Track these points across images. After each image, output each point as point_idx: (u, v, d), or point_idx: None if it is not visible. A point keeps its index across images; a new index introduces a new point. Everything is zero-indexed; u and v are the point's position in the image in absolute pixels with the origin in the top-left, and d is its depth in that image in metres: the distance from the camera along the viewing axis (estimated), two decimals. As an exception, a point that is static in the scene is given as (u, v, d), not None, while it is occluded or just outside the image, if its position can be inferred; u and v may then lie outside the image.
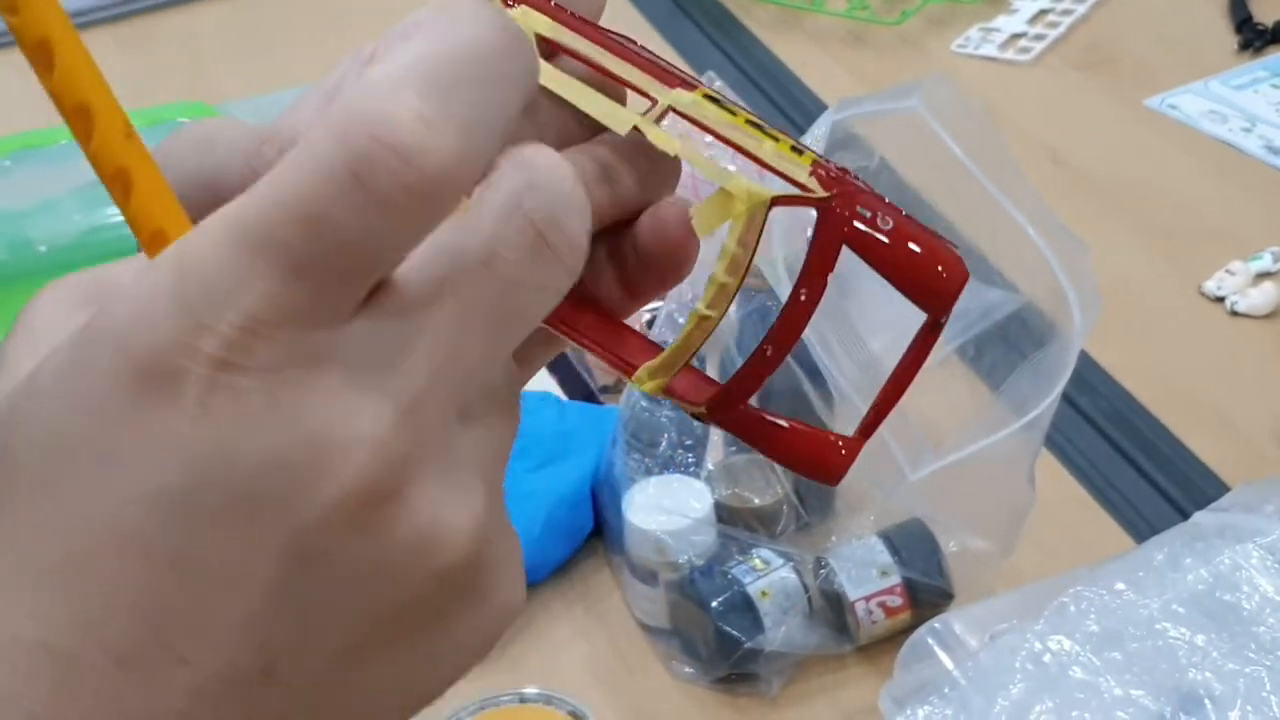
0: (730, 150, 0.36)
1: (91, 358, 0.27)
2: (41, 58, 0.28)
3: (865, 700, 0.80)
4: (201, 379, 0.26)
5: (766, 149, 0.34)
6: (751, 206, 0.33)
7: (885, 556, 0.81)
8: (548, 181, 0.29)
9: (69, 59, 0.28)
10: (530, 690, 0.79)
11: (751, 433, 0.37)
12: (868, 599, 0.80)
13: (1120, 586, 0.64)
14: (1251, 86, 1.28)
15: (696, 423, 0.87)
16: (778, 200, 0.34)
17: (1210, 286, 1.04)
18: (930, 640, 0.68)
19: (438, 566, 0.28)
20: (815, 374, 0.78)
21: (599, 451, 0.91)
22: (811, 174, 0.34)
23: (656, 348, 0.37)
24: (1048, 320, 0.83)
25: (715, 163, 0.34)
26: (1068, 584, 0.65)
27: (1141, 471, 0.92)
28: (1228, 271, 1.05)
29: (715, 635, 0.80)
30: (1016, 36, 1.38)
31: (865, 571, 0.80)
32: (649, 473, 0.85)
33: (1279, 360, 1.00)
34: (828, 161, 0.35)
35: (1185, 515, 0.87)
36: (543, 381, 1.02)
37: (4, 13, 0.28)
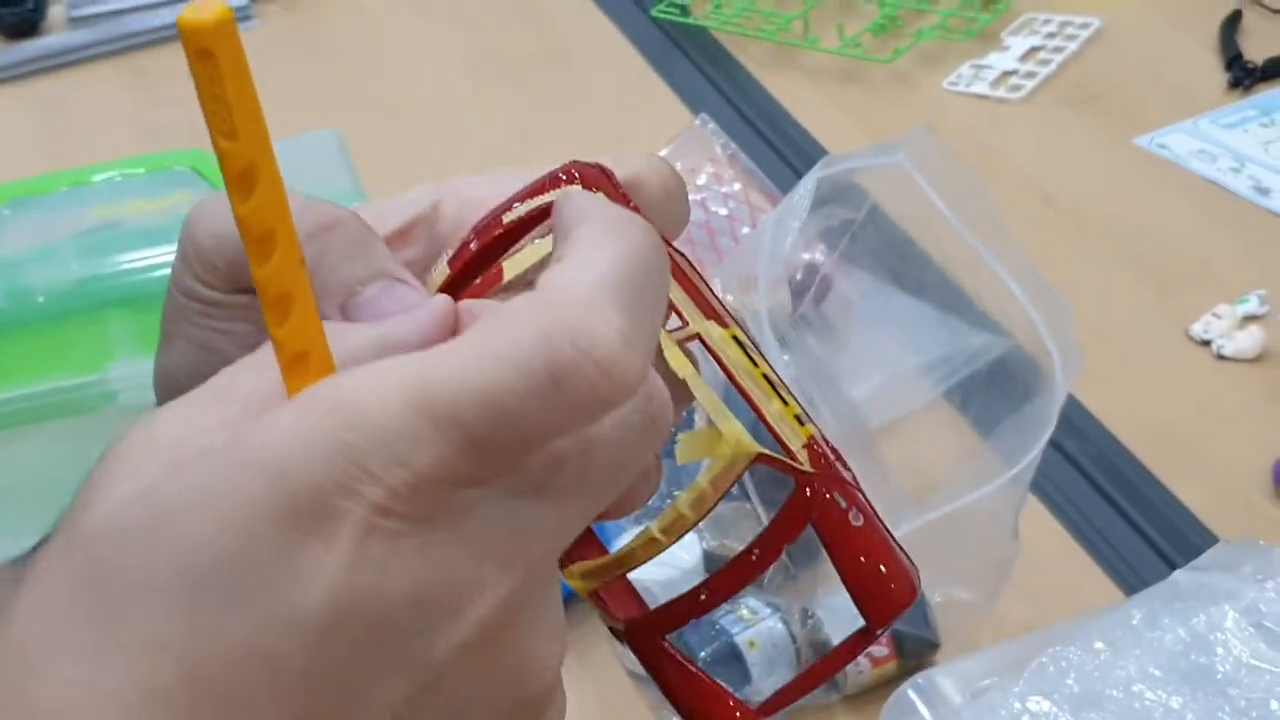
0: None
1: (246, 483, 0.29)
2: (243, 185, 0.30)
3: (852, 750, 0.81)
4: (360, 521, 0.29)
5: (773, 409, 0.35)
6: (736, 454, 0.34)
7: (871, 607, 0.81)
8: (660, 388, 0.32)
9: (268, 186, 0.30)
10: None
11: (661, 671, 0.38)
12: (854, 649, 0.81)
13: (1099, 645, 0.65)
14: (1241, 125, 1.29)
15: (684, 474, 0.88)
16: (762, 457, 0.34)
17: (1197, 329, 1.05)
18: (913, 695, 0.69)
19: (527, 694, 0.32)
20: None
21: (590, 498, 0.92)
22: (805, 446, 0.35)
23: (601, 549, 0.37)
24: (1034, 365, 0.84)
25: (718, 399, 0.35)
26: (1049, 641, 0.66)
27: (1128, 519, 0.93)
28: (1214, 315, 1.06)
29: (703, 685, 0.81)
30: (1008, 74, 1.39)
31: (852, 621, 0.81)
32: (637, 521, 0.86)
33: (1265, 405, 1.00)
34: (825, 441, 0.36)
35: (1171, 564, 0.88)
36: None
37: (221, 139, 0.29)
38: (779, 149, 1.33)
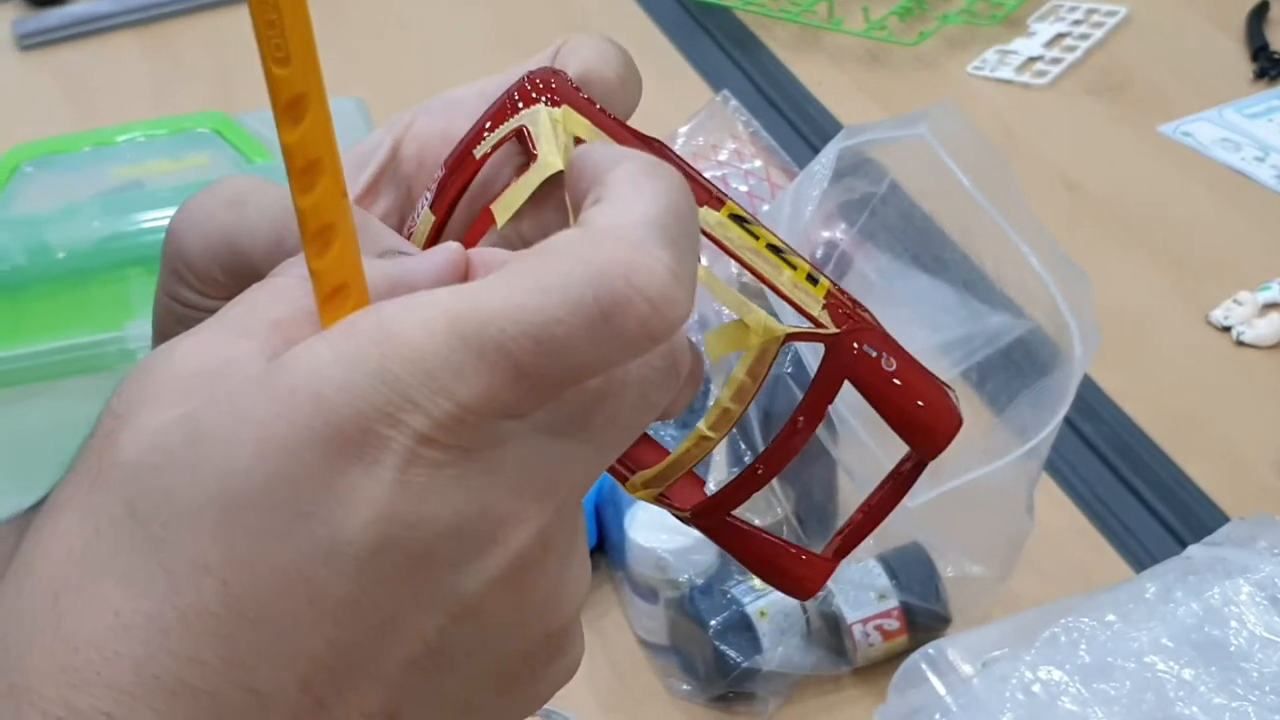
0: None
1: (289, 411, 0.28)
2: (293, 113, 0.30)
3: (861, 721, 0.81)
4: (403, 449, 0.28)
5: (785, 278, 0.36)
6: (765, 341, 0.34)
7: (883, 580, 0.81)
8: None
9: (318, 115, 0.30)
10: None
11: (733, 543, 0.39)
12: (865, 622, 0.81)
13: (1111, 618, 0.65)
14: (1266, 115, 1.28)
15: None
16: (791, 336, 0.35)
17: (1217, 316, 1.05)
18: (924, 666, 0.69)
19: (553, 628, 0.32)
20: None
21: (604, 467, 0.92)
22: (825, 306, 0.35)
23: (662, 451, 0.38)
24: (1053, 346, 0.84)
25: (735, 293, 0.35)
26: (1061, 613, 0.66)
27: (1142, 499, 0.92)
28: (1235, 301, 1.05)
29: (713, 654, 0.81)
30: (1033, 60, 1.38)
31: (863, 594, 0.81)
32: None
33: (1283, 391, 1.00)
34: (841, 291, 0.36)
35: (1184, 545, 0.87)
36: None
37: (274, 66, 0.29)
38: (800, 129, 1.33)
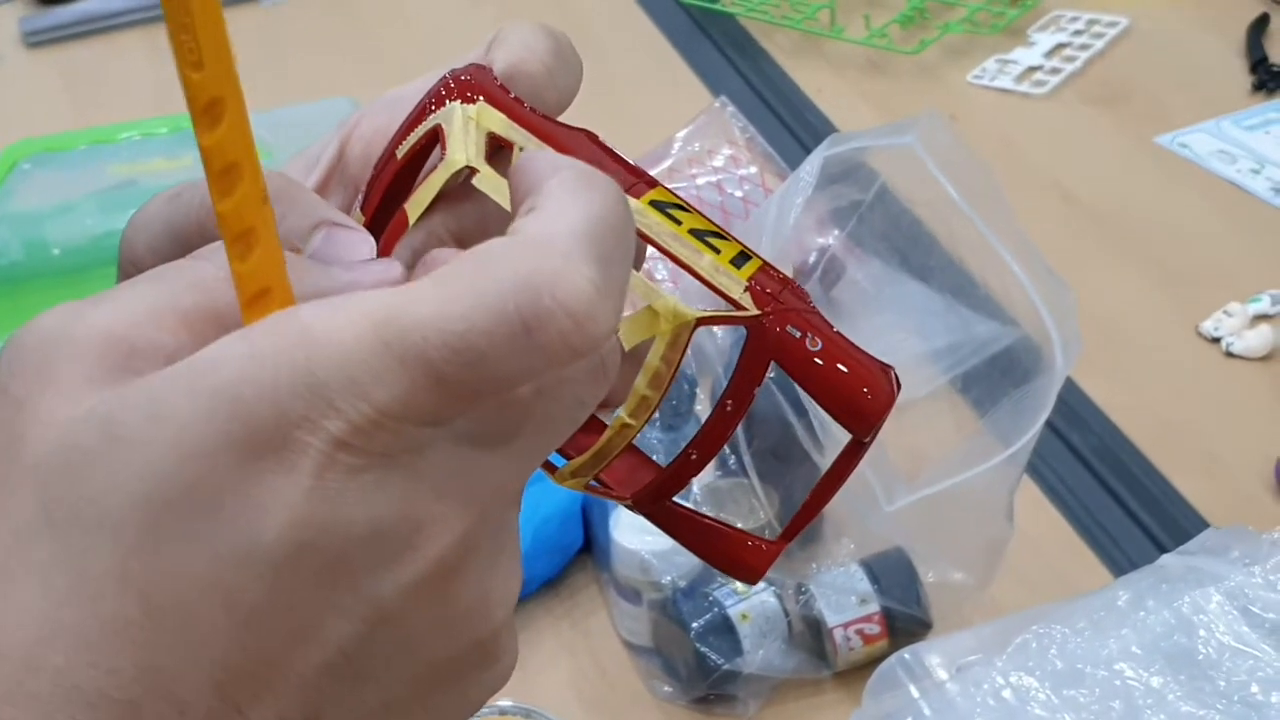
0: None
1: (208, 413, 0.28)
2: (209, 116, 0.30)
3: (840, 725, 0.81)
4: (320, 454, 0.28)
5: (705, 263, 0.35)
6: (676, 326, 0.34)
7: (865, 585, 0.82)
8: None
9: (235, 119, 0.30)
10: (508, 704, 0.80)
11: (677, 528, 0.39)
12: (846, 626, 0.81)
13: (1082, 625, 0.65)
14: (1263, 128, 1.28)
15: (683, 444, 0.89)
16: (703, 321, 0.35)
17: (1207, 327, 1.05)
18: (899, 670, 0.69)
19: (479, 635, 0.32)
20: (799, 406, 0.79)
21: (592, 469, 0.93)
22: (748, 290, 0.35)
23: (589, 437, 0.37)
24: (1037, 353, 0.85)
25: (644, 279, 0.35)
26: (1035, 619, 0.67)
27: (1126, 508, 0.93)
28: (1225, 312, 1.06)
29: (695, 656, 0.81)
30: (1033, 69, 1.39)
31: (845, 599, 0.82)
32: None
33: (1272, 403, 1.00)
34: (772, 271, 0.35)
35: (1166, 553, 0.88)
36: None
37: (188, 70, 0.29)
38: (799, 136, 1.33)
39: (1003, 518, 0.78)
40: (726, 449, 0.84)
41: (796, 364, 0.35)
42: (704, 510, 0.85)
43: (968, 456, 0.76)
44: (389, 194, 0.38)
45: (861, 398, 0.36)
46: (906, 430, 0.88)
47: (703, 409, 0.89)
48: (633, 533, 0.84)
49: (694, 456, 0.38)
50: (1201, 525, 0.89)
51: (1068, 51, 1.41)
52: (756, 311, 0.35)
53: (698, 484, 0.87)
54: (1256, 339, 1.03)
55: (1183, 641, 0.63)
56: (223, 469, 0.28)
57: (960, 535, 0.79)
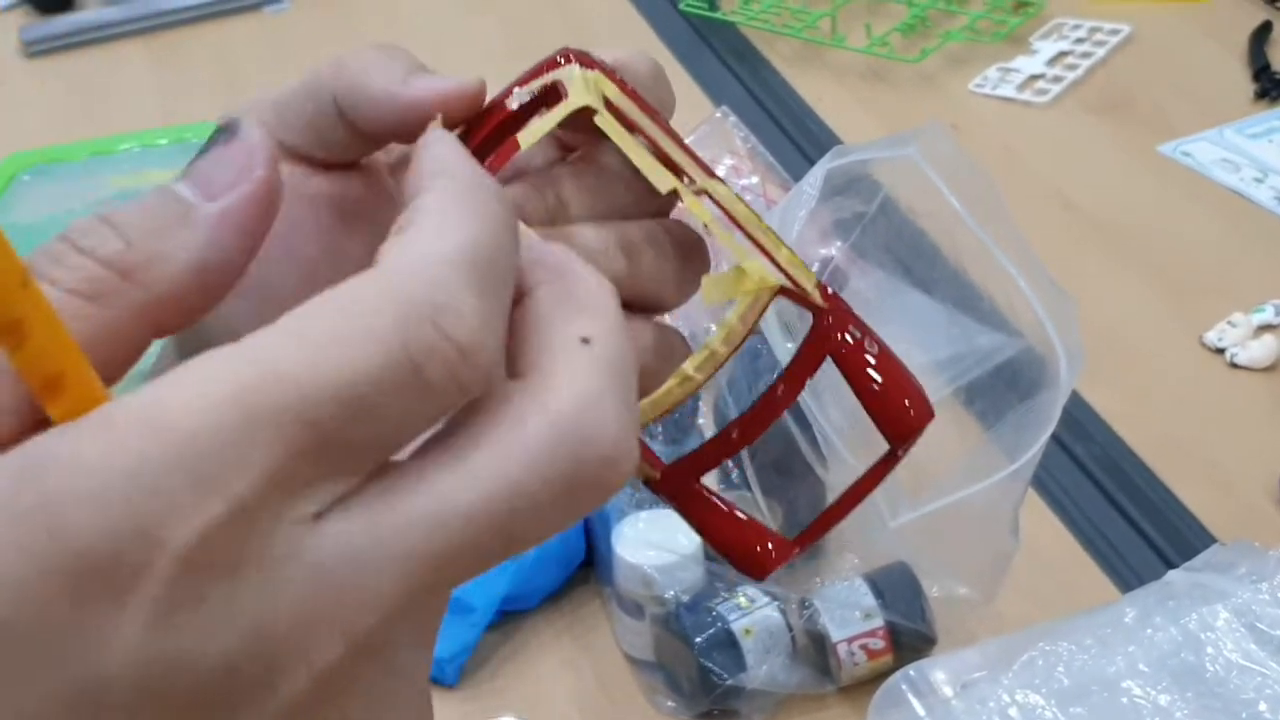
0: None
1: (26, 539, 0.24)
2: None
3: (845, 740, 0.81)
4: (162, 577, 0.24)
5: (783, 254, 0.37)
6: (760, 288, 0.36)
7: (869, 599, 0.82)
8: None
9: None
10: (510, 718, 0.80)
11: (696, 510, 0.38)
12: (850, 641, 0.81)
13: (1089, 642, 0.65)
14: (1266, 136, 1.28)
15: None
16: (785, 290, 0.36)
17: (1211, 337, 1.05)
18: (904, 687, 0.69)
19: None
20: (803, 421, 0.79)
21: (594, 482, 0.92)
22: (817, 287, 0.37)
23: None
24: (1041, 365, 0.84)
25: (738, 241, 0.36)
26: (1041, 636, 0.66)
27: (1130, 521, 0.92)
28: (1229, 323, 1.05)
29: (698, 671, 0.81)
30: (1034, 78, 1.39)
31: (849, 613, 0.81)
32: (639, 506, 0.86)
33: (1276, 414, 1.00)
34: (828, 284, 0.38)
35: (1171, 566, 0.88)
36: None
37: None
38: (801, 145, 1.33)
39: (1007, 532, 0.77)
40: (729, 461, 0.84)
41: (853, 364, 0.37)
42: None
43: (972, 471, 0.75)
44: (490, 139, 0.38)
45: (905, 409, 0.37)
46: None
47: (705, 423, 0.89)
48: (635, 547, 0.84)
49: (734, 436, 0.38)
50: (1206, 538, 0.88)
51: (1069, 60, 1.41)
52: (825, 305, 0.37)
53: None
54: (1261, 350, 1.02)
55: (1190, 659, 0.62)
56: (49, 604, 0.24)
57: (965, 549, 0.79)
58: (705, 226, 0.37)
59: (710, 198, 0.38)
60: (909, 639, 0.81)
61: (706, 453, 0.38)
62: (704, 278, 0.38)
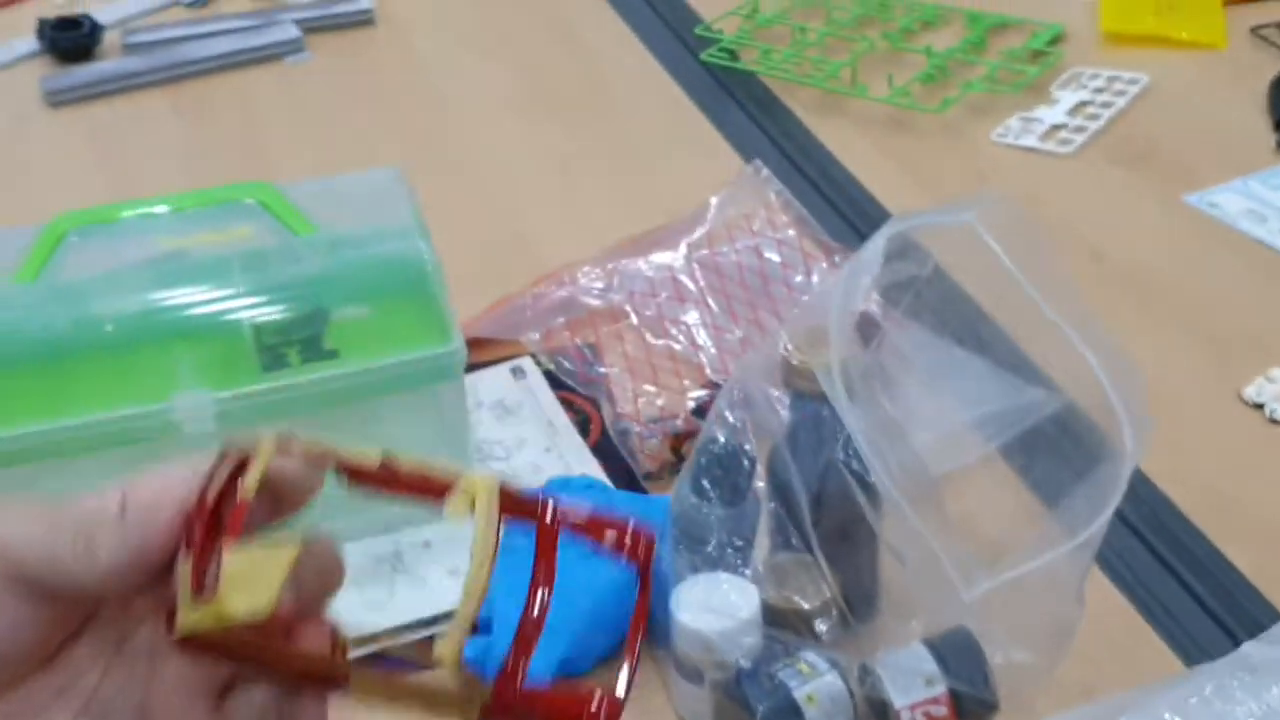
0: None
1: None
2: None
3: (908, 806, 0.81)
4: None
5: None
6: (490, 489, 0.47)
7: (931, 665, 0.82)
8: None
9: None
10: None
11: (535, 706, 0.48)
12: (913, 708, 0.81)
13: (1167, 716, 0.65)
14: (1290, 187, 1.29)
15: (744, 522, 0.89)
16: (504, 489, 0.47)
17: (1250, 393, 1.06)
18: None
19: None
20: (867, 485, 0.79)
21: (647, 544, 0.93)
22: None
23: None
24: (1093, 427, 0.85)
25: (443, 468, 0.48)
26: (1122, 709, 0.67)
27: (1183, 583, 0.93)
28: (1267, 379, 1.06)
29: (761, 738, 0.81)
30: (1057, 128, 1.40)
31: (911, 680, 0.82)
32: (696, 570, 0.87)
33: (1320, 471, 1.01)
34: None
35: (1227, 631, 0.88)
36: (588, 467, 1.04)
37: None
38: (828, 195, 1.34)
39: (1074, 600, 0.78)
40: (790, 526, 0.84)
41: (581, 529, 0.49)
42: (766, 588, 0.85)
43: (1041, 541, 0.76)
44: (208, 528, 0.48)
45: (634, 537, 0.49)
46: (964, 502, 0.88)
47: (761, 485, 0.89)
48: (695, 612, 0.84)
49: (528, 629, 0.49)
50: (1261, 603, 0.89)
51: (1090, 109, 1.42)
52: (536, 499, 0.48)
53: (759, 560, 0.87)
54: (1300, 405, 1.03)
55: (1276, 736, 0.63)
56: None
57: (1030, 619, 0.79)
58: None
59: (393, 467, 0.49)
60: (972, 706, 0.81)
61: (514, 657, 0.48)
62: (444, 509, 0.48)
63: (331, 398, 0.97)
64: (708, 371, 1.07)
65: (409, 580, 0.98)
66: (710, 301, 1.11)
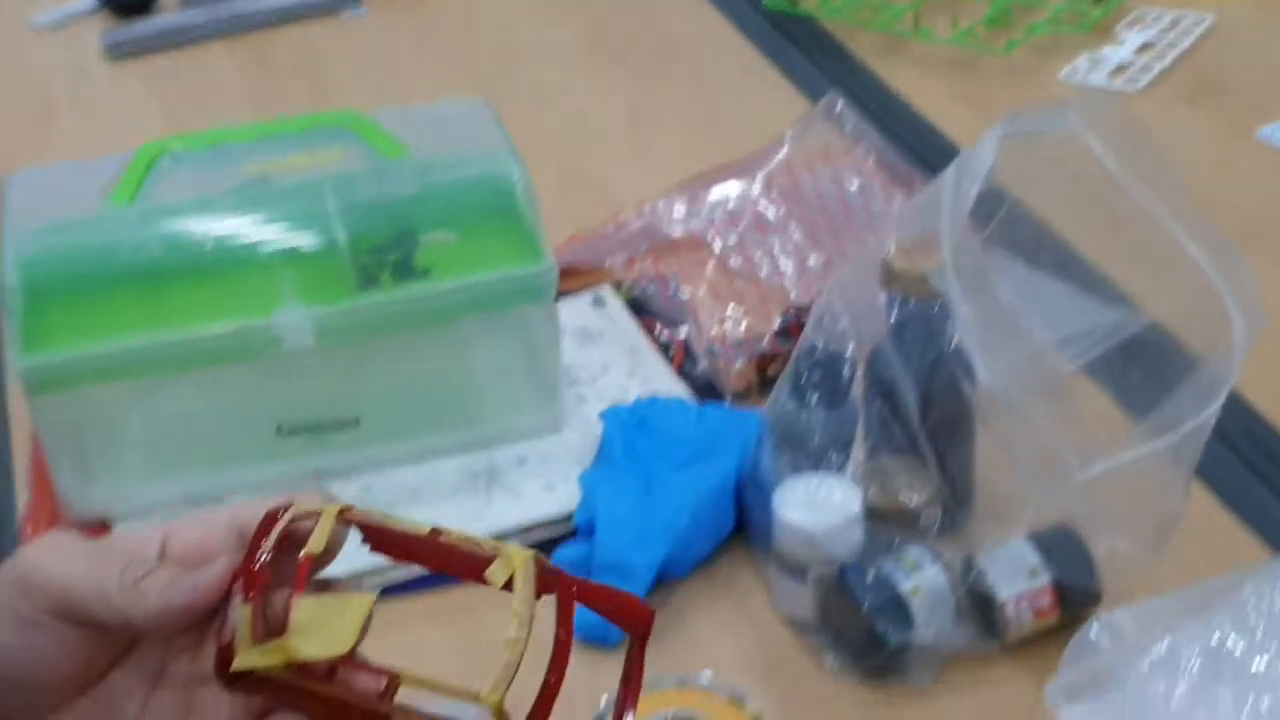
0: None
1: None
2: None
3: (1014, 697, 0.82)
4: None
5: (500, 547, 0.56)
6: (525, 561, 0.55)
7: (1034, 558, 0.83)
8: None
9: None
10: (689, 674, 0.81)
11: None
12: (1017, 600, 0.82)
13: (1268, 591, 0.66)
14: (1359, 120, 1.30)
15: (844, 425, 0.90)
16: (538, 559, 0.56)
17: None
18: (1098, 636, 0.70)
19: None
20: (974, 374, 0.80)
21: (741, 452, 0.94)
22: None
23: None
24: (1174, 341, 0.86)
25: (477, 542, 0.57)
26: (1237, 583, 0.67)
27: (1276, 492, 0.94)
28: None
29: (867, 631, 0.82)
30: (1124, 67, 1.40)
31: (1015, 572, 0.82)
32: (797, 471, 0.88)
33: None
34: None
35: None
36: (673, 390, 1.05)
37: None
38: (900, 135, 1.34)
39: (1178, 492, 0.79)
40: (895, 425, 0.85)
41: (587, 599, 0.57)
42: (867, 489, 0.85)
43: (1147, 433, 0.77)
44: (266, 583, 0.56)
45: (638, 611, 0.58)
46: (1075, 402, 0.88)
47: (857, 393, 0.90)
48: (797, 510, 0.85)
49: (551, 679, 0.54)
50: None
51: (1156, 49, 1.43)
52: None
53: (860, 461, 0.88)
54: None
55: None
56: None
57: (1136, 507, 0.80)
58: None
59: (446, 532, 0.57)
60: (1075, 597, 0.82)
61: (542, 705, 0.55)
62: (485, 574, 0.56)
63: (424, 315, 0.99)
64: (792, 296, 1.08)
65: (505, 493, 0.99)
66: (792, 228, 1.12)
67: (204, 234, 0.98)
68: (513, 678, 0.54)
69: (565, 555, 0.91)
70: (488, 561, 0.57)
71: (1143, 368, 0.89)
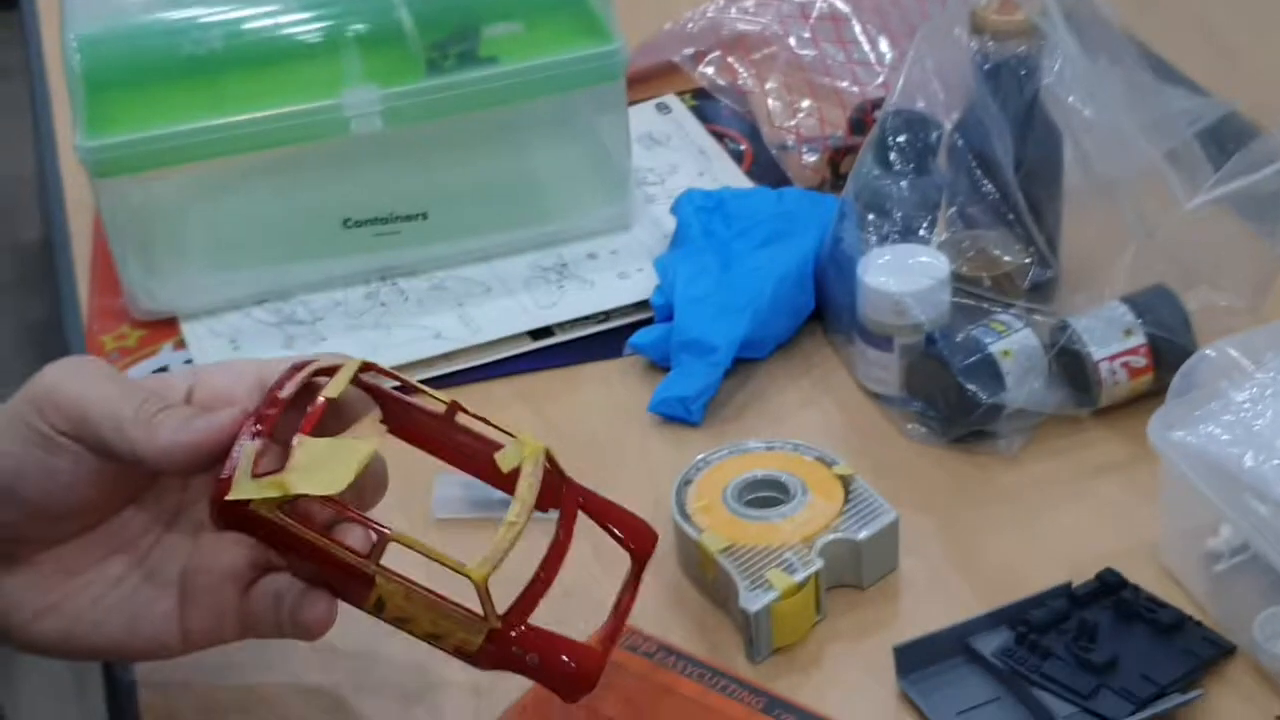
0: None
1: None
2: None
3: (1105, 460, 0.81)
4: None
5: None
6: (535, 450, 0.62)
7: (1129, 317, 0.81)
8: None
9: None
10: (776, 440, 0.80)
11: (536, 643, 0.59)
12: (1112, 359, 0.80)
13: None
14: None
15: (930, 192, 0.87)
16: (549, 454, 0.62)
17: None
18: (1205, 365, 0.68)
19: None
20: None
21: (820, 233, 0.92)
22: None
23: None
24: (1253, 127, 0.84)
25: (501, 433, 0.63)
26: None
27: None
28: None
29: (957, 394, 0.80)
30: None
31: (1109, 331, 0.81)
32: (883, 240, 0.86)
33: None
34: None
35: None
36: (747, 186, 1.03)
37: None
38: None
39: (1275, 242, 0.77)
40: (986, 180, 0.83)
41: (595, 509, 0.64)
42: (954, 257, 0.83)
43: (1252, 163, 0.74)
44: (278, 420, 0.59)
45: (646, 531, 0.64)
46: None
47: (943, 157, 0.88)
48: (884, 276, 0.83)
49: (541, 575, 0.59)
50: None
51: None
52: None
53: (946, 229, 0.86)
54: None
55: None
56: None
57: (1233, 257, 0.78)
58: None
59: (464, 412, 0.63)
60: (1171, 354, 0.80)
61: (529, 596, 0.59)
62: (495, 455, 0.62)
63: (492, 98, 0.97)
64: (868, 88, 1.06)
65: (578, 284, 0.98)
66: (865, 19, 1.09)
67: (268, 21, 0.96)
68: (502, 559, 0.56)
69: (643, 339, 0.90)
70: (498, 446, 0.61)
71: (1226, 153, 0.86)
